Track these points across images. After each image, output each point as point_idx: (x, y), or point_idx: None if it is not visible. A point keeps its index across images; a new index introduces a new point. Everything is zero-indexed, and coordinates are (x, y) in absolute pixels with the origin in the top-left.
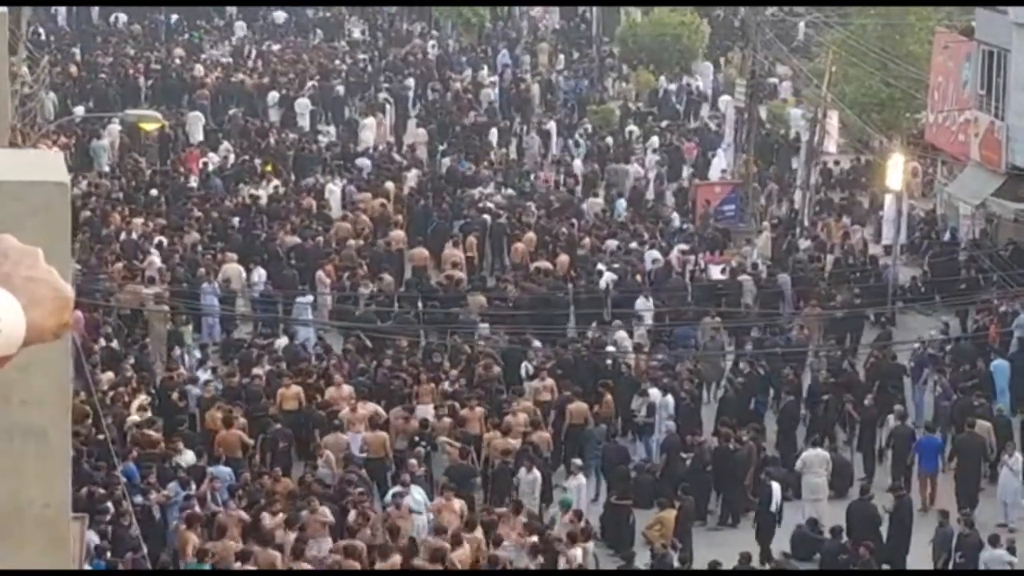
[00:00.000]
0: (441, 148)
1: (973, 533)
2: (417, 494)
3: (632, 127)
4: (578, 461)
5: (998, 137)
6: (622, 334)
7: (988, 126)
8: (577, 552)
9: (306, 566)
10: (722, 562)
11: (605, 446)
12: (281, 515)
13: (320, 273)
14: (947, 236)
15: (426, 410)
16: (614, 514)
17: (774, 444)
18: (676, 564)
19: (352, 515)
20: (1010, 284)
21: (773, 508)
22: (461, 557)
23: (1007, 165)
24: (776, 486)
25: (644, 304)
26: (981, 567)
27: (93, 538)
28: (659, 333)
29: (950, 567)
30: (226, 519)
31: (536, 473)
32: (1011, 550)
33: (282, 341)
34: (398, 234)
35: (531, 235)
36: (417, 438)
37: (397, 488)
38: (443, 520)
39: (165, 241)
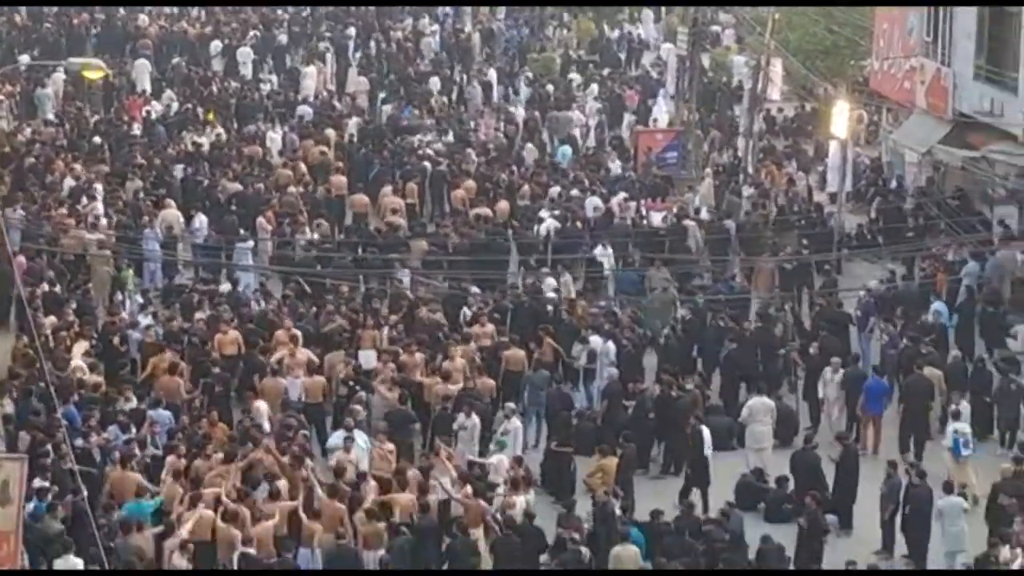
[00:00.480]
0: (381, 96)
1: (923, 484)
2: (360, 439)
3: (574, 75)
4: (512, 405)
5: (944, 84)
6: (566, 279)
7: (934, 73)
8: (519, 499)
9: (241, 509)
10: (664, 510)
11: (547, 392)
12: (216, 456)
13: (260, 219)
14: (893, 184)
15: (368, 355)
16: (555, 461)
17: (718, 392)
18: (618, 512)
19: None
20: (957, 232)
21: (707, 453)
22: (404, 501)
23: (953, 112)
24: (707, 432)
25: (601, 252)
26: (935, 515)
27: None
28: (601, 280)
29: (898, 518)
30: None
31: (475, 419)
32: (964, 496)
33: (224, 287)
34: (339, 180)
35: (471, 182)
36: (353, 383)
37: (343, 432)
38: (382, 467)
39: (102, 188)
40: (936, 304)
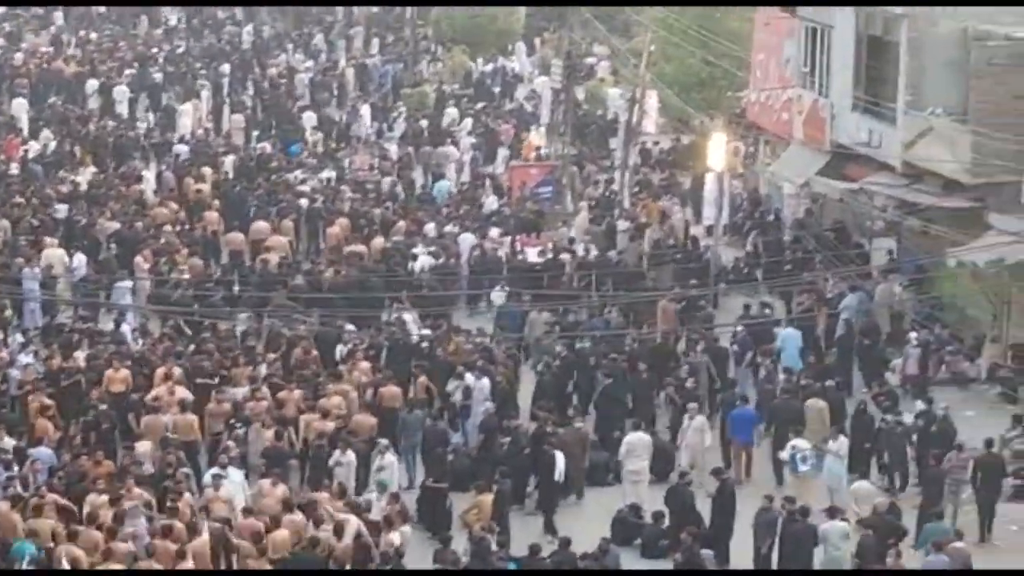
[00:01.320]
0: (255, 134)
1: (803, 522)
2: (235, 475)
3: (450, 110)
4: (384, 441)
5: (822, 115)
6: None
7: (812, 104)
8: (395, 536)
9: (123, 545)
10: (540, 545)
11: (425, 429)
12: (104, 496)
13: (139, 258)
14: (771, 217)
15: (240, 392)
16: (431, 497)
17: (593, 428)
18: (494, 547)
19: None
20: (835, 264)
21: (556, 477)
22: (279, 539)
23: (831, 144)
24: (559, 455)
25: (498, 295)
26: (820, 537)
27: None
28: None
29: (774, 552)
30: (41, 501)
31: (351, 455)
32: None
33: (106, 326)
34: (212, 216)
35: (344, 220)
36: (232, 420)
37: (215, 470)
38: (262, 504)
39: None
40: (787, 330)
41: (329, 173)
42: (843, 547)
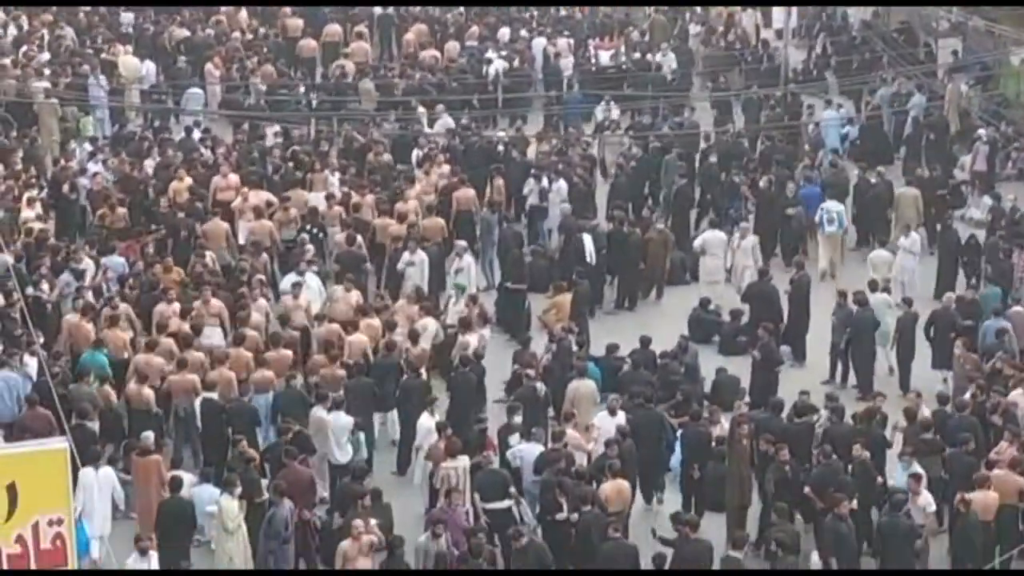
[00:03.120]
0: None
1: (868, 310)
2: (312, 281)
3: None
4: (462, 242)
5: None
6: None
7: None
8: (473, 338)
9: (197, 354)
10: (619, 345)
11: (501, 231)
12: (175, 304)
13: (209, 65)
14: (839, 19)
15: (317, 197)
16: (509, 299)
17: (669, 227)
18: (574, 348)
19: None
20: (902, 64)
21: (587, 259)
22: (355, 344)
23: None
24: (588, 239)
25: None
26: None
27: None
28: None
29: (845, 345)
30: (113, 311)
31: (421, 255)
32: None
33: (177, 134)
34: (293, 22)
35: (421, 25)
36: (309, 225)
37: (293, 276)
38: (336, 309)
39: (47, 34)
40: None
41: None
42: (887, 319)
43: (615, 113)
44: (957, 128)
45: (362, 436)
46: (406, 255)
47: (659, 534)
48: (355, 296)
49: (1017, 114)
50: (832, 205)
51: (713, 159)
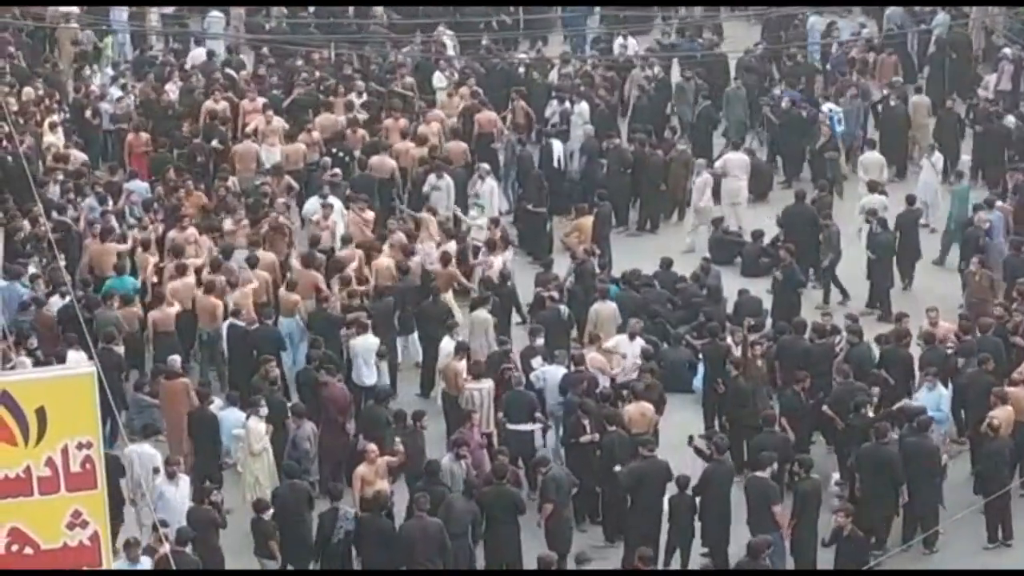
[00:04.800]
0: None
1: (885, 231)
2: (336, 204)
3: None
4: (485, 165)
5: None
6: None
7: None
8: (497, 259)
9: (220, 278)
10: (641, 268)
11: (520, 154)
12: (191, 229)
13: None
14: None
15: (340, 120)
16: (529, 221)
17: (691, 150)
18: (596, 269)
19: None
20: None
21: (555, 164)
22: (380, 265)
23: None
24: (557, 143)
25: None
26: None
27: None
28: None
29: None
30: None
31: (447, 179)
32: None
33: (198, 53)
34: None
35: None
36: (334, 148)
37: (317, 199)
38: (353, 231)
39: None
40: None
41: None
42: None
43: (632, 46)
44: (981, 46)
45: (384, 362)
46: (431, 178)
47: (694, 443)
48: (370, 214)
49: None
50: (833, 106)
51: (736, 81)
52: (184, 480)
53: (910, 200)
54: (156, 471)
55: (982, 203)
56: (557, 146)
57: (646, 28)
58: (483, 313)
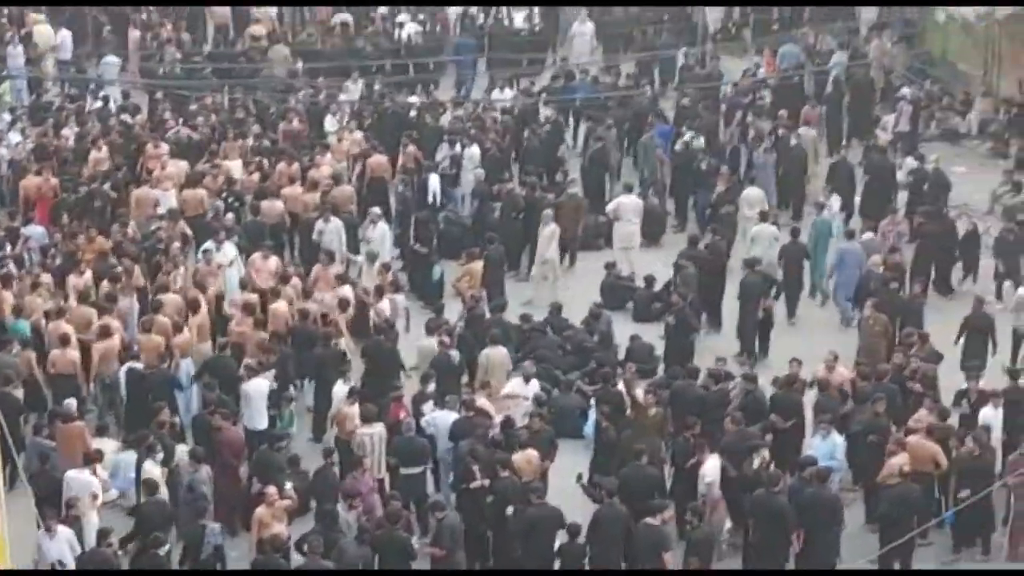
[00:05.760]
0: None
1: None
2: (230, 250)
3: None
4: (376, 210)
5: None
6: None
7: None
8: (385, 304)
9: (114, 322)
10: (532, 313)
11: (403, 195)
12: (88, 273)
13: (132, 31)
14: None
15: (234, 166)
16: (416, 262)
17: (582, 192)
18: (487, 314)
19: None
20: (824, 22)
21: (429, 199)
22: (279, 310)
23: None
24: (433, 178)
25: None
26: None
27: None
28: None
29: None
30: (35, 279)
31: (337, 222)
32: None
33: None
34: None
35: None
36: (224, 194)
37: (209, 244)
38: (258, 278)
39: None
40: None
41: None
42: (772, 249)
43: (508, 94)
44: (881, 87)
45: (292, 406)
46: (319, 223)
47: (583, 481)
48: (274, 262)
49: (942, 72)
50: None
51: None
52: (63, 533)
53: (794, 232)
54: (94, 497)
55: (844, 234)
56: (433, 180)
57: (535, 71)
58: (500, 350)
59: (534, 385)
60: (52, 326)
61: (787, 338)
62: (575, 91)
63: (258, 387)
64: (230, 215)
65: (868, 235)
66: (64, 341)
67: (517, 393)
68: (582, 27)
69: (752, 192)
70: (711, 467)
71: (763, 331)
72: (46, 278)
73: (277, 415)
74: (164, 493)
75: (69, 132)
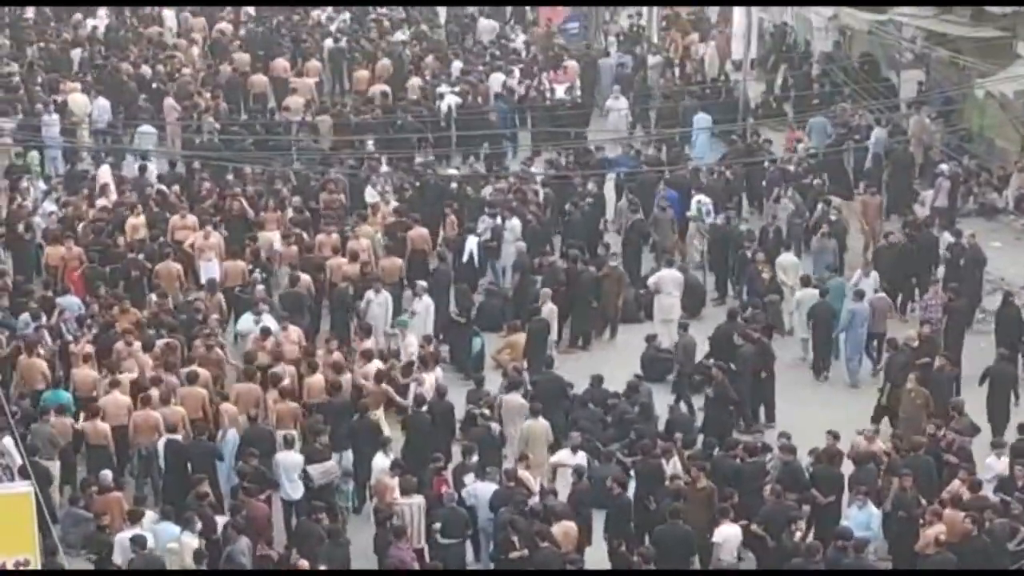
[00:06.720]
0: None
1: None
2: (269, 322)
3: None
4: (422, 283)
5: None
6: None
7: None
8: (427, 377)
9: (155, 392)
10: (573, 384)
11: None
12: (136, 344)
13: (169, 100)
14: (799, 50)
15: (271, 236)
16: (456, 333)
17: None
18: (530, 387)
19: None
20: (864, 97)
21: (464, 259)
22: (314, 383)
23: None
24: (471, 239)
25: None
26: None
27: None
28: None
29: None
30: (76, 349)
31: (386, 294)
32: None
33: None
34: (242, 57)
35: (386, 61)
36: (252, 266)
37: (251, 317)
38: (284, 350)
39: None
40: None
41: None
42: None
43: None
44: (920, 162)
45: (351, 483)
46: (369, 293)
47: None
48: (295, 333)
49: (980, 148)
50: (704, 198)
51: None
52: None
53: (823, 293)
54: None
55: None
56: (471, 241)
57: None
58: (542, 422)
59: (581, 456)
60: (109, 399)
61: (803, 400)
62: (617, 164)
63: (291, 459)
64: (260, 287)
65: (880, 295)
66: (96, 414)
67: (565, 462)
68: (616, 103)
69: (786, 259)
70: (728, 533)
71: (767, 397)
72: (88, 348)
73: (340, 493)
74: (204, 566)
75: (106, 201)
